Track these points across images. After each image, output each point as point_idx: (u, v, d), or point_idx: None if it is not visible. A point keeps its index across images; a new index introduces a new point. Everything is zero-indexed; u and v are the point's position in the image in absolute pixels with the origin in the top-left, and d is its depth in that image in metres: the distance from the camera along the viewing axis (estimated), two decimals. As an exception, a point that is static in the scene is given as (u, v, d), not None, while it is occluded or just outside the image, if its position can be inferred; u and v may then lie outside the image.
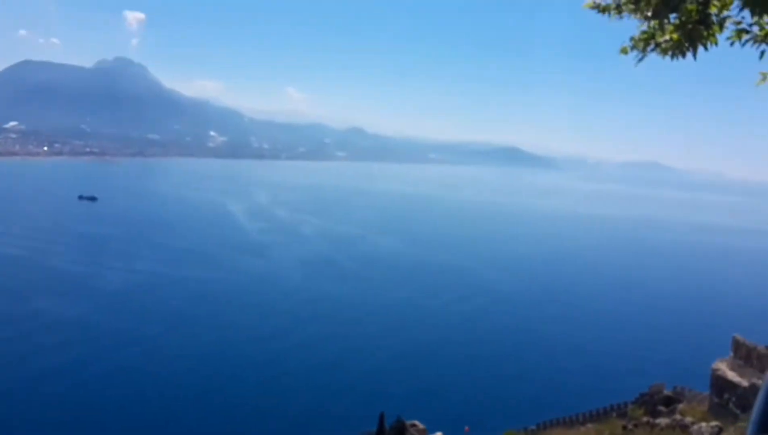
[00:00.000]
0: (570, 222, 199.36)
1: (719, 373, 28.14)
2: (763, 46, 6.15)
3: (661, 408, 32.81)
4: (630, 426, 26.79)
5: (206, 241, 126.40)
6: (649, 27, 6.36)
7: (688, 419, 25.31)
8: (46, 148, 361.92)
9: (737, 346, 30.86)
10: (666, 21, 6.08)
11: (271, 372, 61.18)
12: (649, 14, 5.86)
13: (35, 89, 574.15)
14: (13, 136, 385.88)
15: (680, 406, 30.89)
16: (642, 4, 5.78)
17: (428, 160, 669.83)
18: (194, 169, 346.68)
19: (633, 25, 6.50)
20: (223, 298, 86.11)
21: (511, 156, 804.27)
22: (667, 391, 42.16)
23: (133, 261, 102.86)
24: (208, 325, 73.51)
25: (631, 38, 6.67)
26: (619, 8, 6.18)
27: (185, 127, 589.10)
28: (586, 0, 6.67)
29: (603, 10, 6.31)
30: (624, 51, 6.81)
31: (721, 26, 6.26)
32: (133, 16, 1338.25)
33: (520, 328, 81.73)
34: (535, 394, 59.88)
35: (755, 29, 6.14)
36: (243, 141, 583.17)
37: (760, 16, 5.77)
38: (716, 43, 6.37)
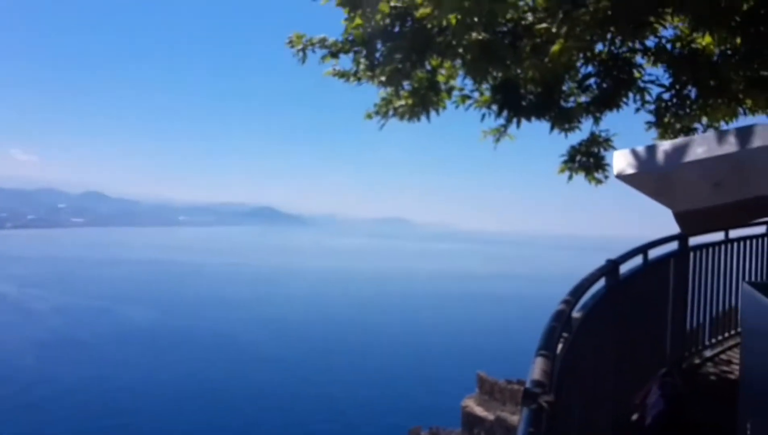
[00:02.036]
0: (323, 278, 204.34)
1: (468, 409, 30.74)
2: (484, 110, 7.07)
3: (420, 449, 34.62)
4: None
5: None
6: (387, 93, 6.93)
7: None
8: None
9: (481, 382, 34.08)
10: (401, 88, 6.69)
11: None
12: (383, 80, 6.38)
13: None
14: None
15: (436, 445, 32.89)
16: (377, 71, 6.27)
17: (179, 223, 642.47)
18: None
19: (376, 92, 7.05)
20: None
21: (266, 215, 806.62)
22: (424, 432, 44.62)
23: None
24: None
25: (375, 104, 7.21)
26: (357, 75, 6.65)
27: None
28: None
29: (342, 76, 6.73)
30: (369, 116, 7.32)
31: (449, 93, 7.07)
32: None
33: (274, 392, 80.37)
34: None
35: (476, 95, 7.04)
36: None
37: (480, 83, 6.63)
38: (445, 108, 7.15)
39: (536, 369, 2.57)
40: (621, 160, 4.63)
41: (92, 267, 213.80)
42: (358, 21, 4.69)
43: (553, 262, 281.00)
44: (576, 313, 3.86)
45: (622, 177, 4.58)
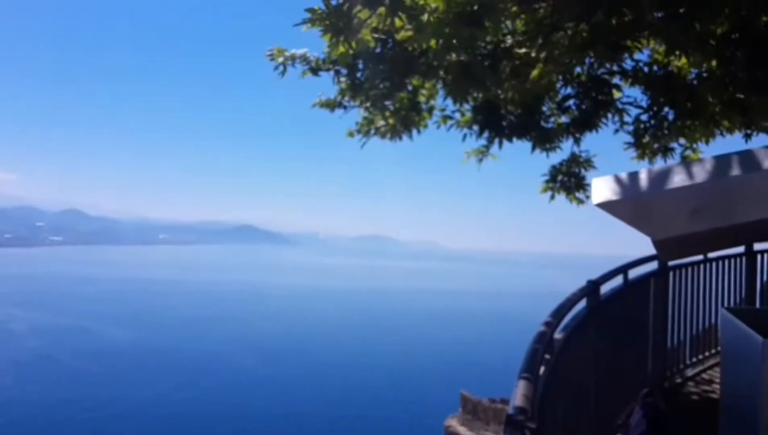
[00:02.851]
0: (305, 297, 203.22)
1: (451, 429, 30.57)
2: (465, 130, 7.13)
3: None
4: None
5: None
6: (370, 113, 6.96)
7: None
8: None
9: (464, 401, 33.92)
10: (385, 110, 6.73)
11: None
12: (368, 105, 6.43)
13: None
14: None
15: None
16: (361, 96, 6.32)
17: (159, 242, 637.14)
18: None
19: (358, 110, 7.07)
20: None
21: (247, 233, 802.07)
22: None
23: None
24: None
25: (357, 123, 7.24)
26: (342, 104, 6.70)
27: None
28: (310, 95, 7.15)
29: (329, 105, 6.78)
30: (350, 134, 7.35)
31: (430, 113, 7.13)
32: None
33: (253, 411, 79.07)
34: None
35: (457, 116, 7.11)
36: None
37: (461, 104, 6.68)
38: (426, 127, 7.21)
39: (518, 394, 2.57)
40: (600, 188, 4.69)
41: (71, 285, 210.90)
42: (341, 49, 4.72)
43: (537, 280, 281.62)
44: (558, 334, 3.87)
45: (601, 205, 4.63)
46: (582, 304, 4.80)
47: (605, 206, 4.61)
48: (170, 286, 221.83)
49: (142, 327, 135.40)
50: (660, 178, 4.51)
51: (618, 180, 4.63)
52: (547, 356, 3.43)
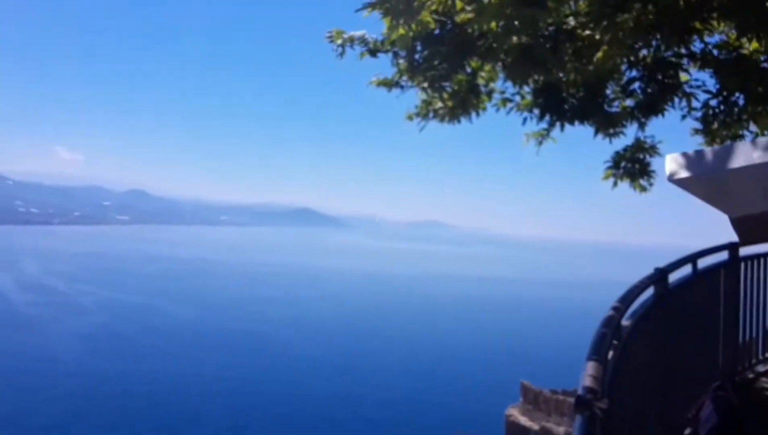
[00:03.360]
0: (360, 281, 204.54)
1: (512, 419, 30.40)
2: (525, 114, 7.02)
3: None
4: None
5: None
6: (428, 95, 6.93)
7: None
8: None
9: (525, 391, 33.65)
10: (443, 91, 6.68)
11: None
12: (426, 85, 6.40)
13: None
14: None
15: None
16: (419, 77, 6.30)
17: (220, 223, 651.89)
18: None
19: (415, 93, 7.05)
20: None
21: (305, 217, 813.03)
22: (466, 439, 44.18)
23: None
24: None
25: (416, 106, 7.22)
26: (399, 84, 6.69)
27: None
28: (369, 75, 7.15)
29: (386, 84, 6.77)
30: (410, 117, 7.35)
31: (490, 96, 7.03)
32: None
33: (306, 392, 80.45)
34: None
35: (517, 99, 6.99)
36: (7, 206, 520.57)
37: (521, 87, 6.57)
38: (485, 110, 7.12)
39: (587, 375, 2.54)
40: (673, 164, 4.50)
41: (137, 263, 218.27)
42: (401, 31, 4.69)
43: (593, 269, 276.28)
44: (625, 321, 3.82)
45: (674, 181, 4.46)
46: (649, 291, 4.71)
47: (679, 182, 4.44)
48: (229, 266, 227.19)
49: (201, 305, 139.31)
50: (736, 154, 4.31)
51: (692, 156, 4.45)
52: (614, 342, 3.40)
